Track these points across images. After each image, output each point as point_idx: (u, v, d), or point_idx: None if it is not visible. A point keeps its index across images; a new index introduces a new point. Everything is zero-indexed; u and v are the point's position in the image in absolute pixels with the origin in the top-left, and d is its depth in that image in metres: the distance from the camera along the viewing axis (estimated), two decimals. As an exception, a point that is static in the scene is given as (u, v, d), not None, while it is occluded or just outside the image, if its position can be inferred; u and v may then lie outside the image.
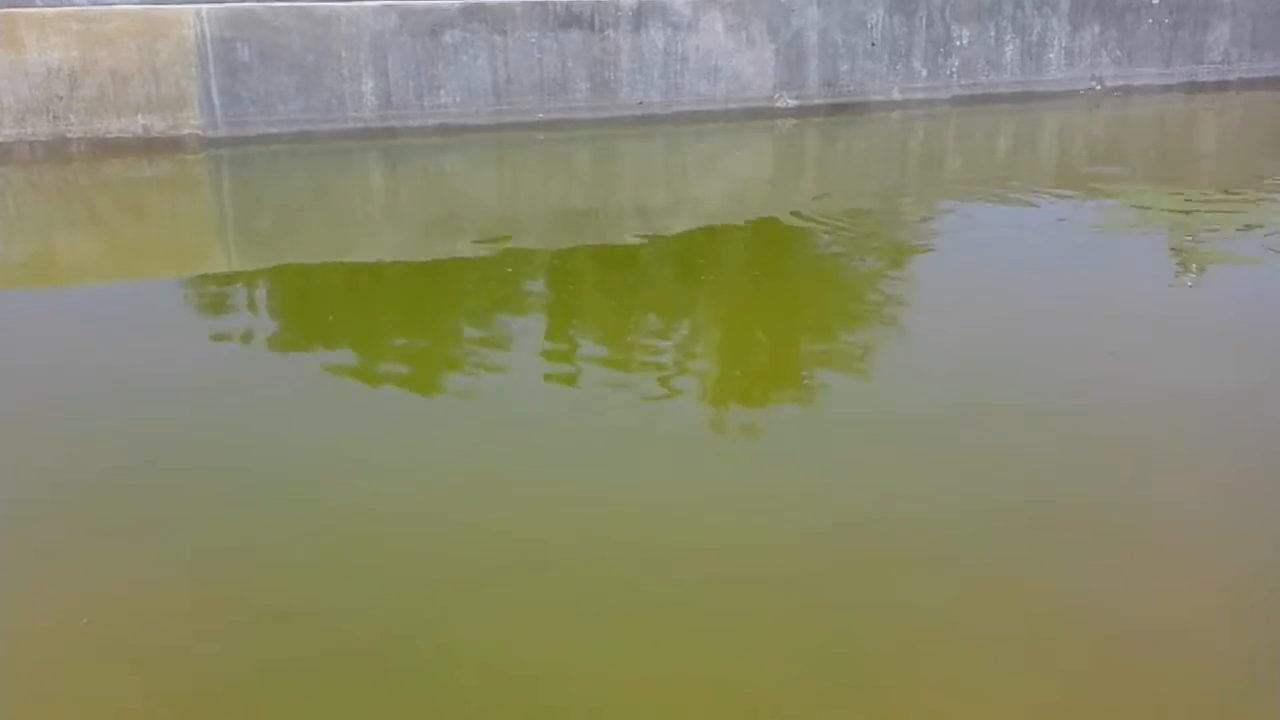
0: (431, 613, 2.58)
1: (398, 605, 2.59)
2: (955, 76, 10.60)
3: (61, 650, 2.47)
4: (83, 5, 8.21)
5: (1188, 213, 6.44)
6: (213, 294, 5.11)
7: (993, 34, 10.67)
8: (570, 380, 4.03)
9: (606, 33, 9.18)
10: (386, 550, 2.83)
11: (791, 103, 9.99)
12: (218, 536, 2.89)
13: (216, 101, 8.20)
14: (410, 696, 2.29)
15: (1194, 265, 5.43)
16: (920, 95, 10.47)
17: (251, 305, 4.96)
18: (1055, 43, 10.99)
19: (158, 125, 8.10)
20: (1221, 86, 11.88)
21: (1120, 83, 11.41)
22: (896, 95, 10.38)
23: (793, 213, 6.59)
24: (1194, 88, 11.74)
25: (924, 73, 10.46)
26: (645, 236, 6.13)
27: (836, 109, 10.08)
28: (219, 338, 4.51)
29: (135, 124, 8.06)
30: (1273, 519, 2.99)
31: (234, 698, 2.30)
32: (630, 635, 2.50)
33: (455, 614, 2.57)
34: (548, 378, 4.04)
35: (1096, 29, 11.17)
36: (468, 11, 8.78)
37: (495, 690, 2.32)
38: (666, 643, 2.46)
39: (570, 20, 9.06)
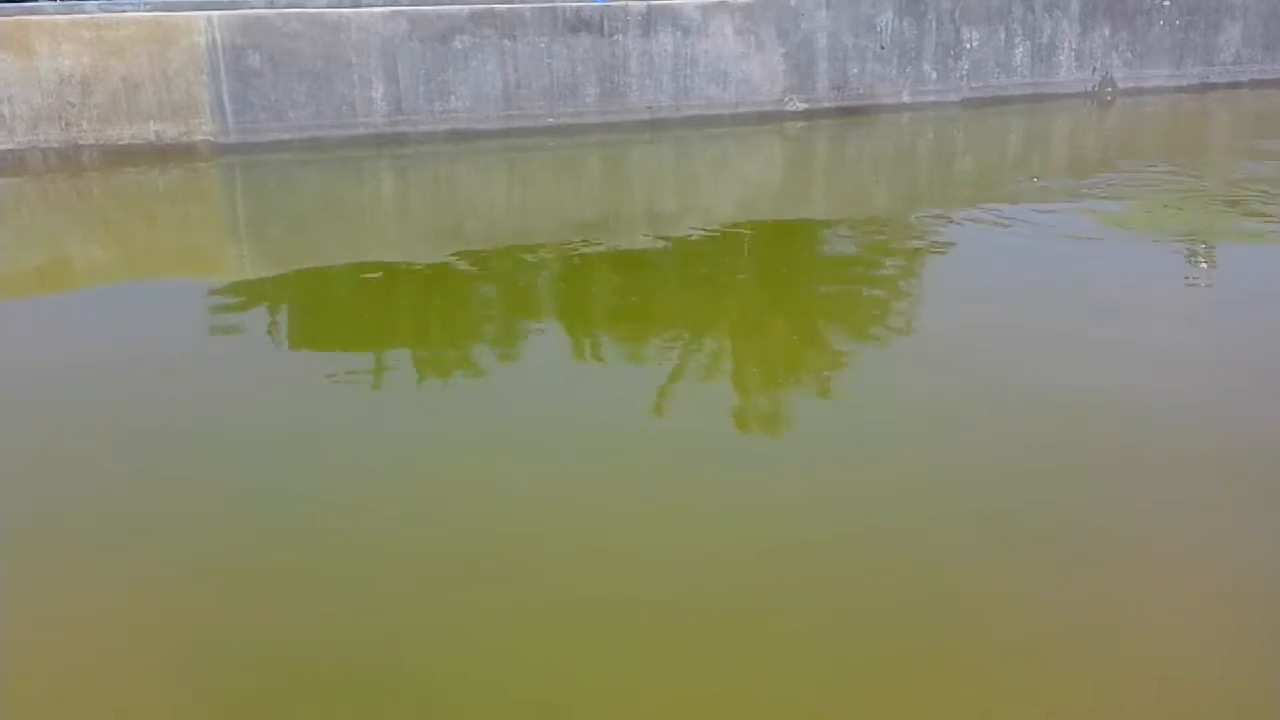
0: (429, 619, 2.58)
1: (395, 611, 2.59)
2: (965, 79, 10.59)
3: (60, 656, 2.47)
4: (94, 13, 8.25)
5: (1196, 213, 6.41)
6: (225, 302, 5.12)
7: (1002, 36, 10.66)
8: (576, 384, 4.04)
9: (616, 37, 9.19)
10: (388, 554, 2.83)
11: (801, 106, 9.98)
12: (218, 540, 2.90)
13: (228, 108, 8.23)
14: (402, 705, 2.29)
15: (1202, 265, 5.42)
16: (930, 98, 10.46)
17: (263, 313, 4.98)
18: (1065, 45, 10.97)
19: (169, 132, 8.14)
20: (1233, 87, 11.85)
21: (1131, 84, 11.38)
22: (906, 98, 10.37)
23: (801, 218, 6.59)
24: (1206, 89, 11.71)
25: (934, 75, 10.45)
26: (654, 243, 6.13)
27: (846, 112, 10.07)
28: (230, 344, 4.53)
29: (147, 131, 8.09)
30: (1267, 521, 2.98)
31: (226, 706, 2.30)
32: (630, 641, 2.49)
33: (453, 619, 2.57)
34: (553, 382, 4.04)
35: (1107, 31, 11.15)
36: (477, 17, 8.80)
37: (494, 701, 2.32)
38: (667, 652, 2.46)
39: (580, 25, 9.07)
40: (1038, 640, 2.50)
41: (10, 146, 7.82)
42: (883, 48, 10.17)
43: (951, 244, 6.03)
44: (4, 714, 2.32)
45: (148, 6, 8.87)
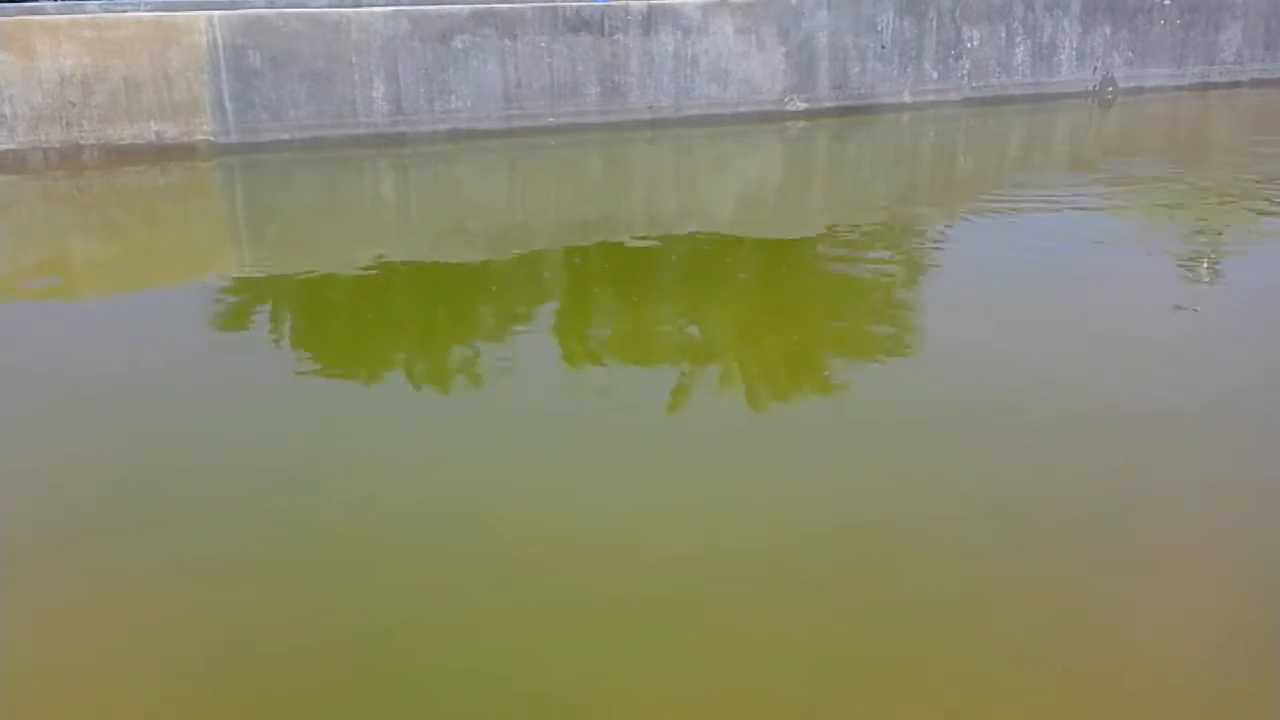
0: (428, 617, 2.58)
1: (396, 608, 2.60)
2: (966, 78, 10.58)
3: (65, 651, 2.48)
4: (95, 13, 8.25)
5: (1199, 212, 6.41)
6: (223, 302, 5.13)
7: (1003, 36, 10.65)
8: (576, 385, 4.04)
9: (616, 37, 9.19)
10: (390, 551, 2.84)
11: (801, 106, 9.98)
12: (220, 539, 2.90)
13: (228, 108, 8.23)
14: (402, 702, 2.29)
15: (1204, 270, 5.41)
16: (931, 97, 10.45)
17: (262, 313, 4.98)
18: (1066, 44, 10.96)
19: (170, 132, 8.14)
20: (1234, 86, 11.84)
21: (1132, 84, 11.37)
22: (907, 97, 10.37)
23: (800, 219, 6.59)
24: (1206, 88, 11.70)
25: (935, 75, 10.44)
26: (654, 245, 6.13)
27: (847, 111, 10.06)
28: (228, 344, 4.53)
29: (148, 130, 8.10)
30: (1264, 518, 2.99)
31: (229, 704, 2.31)
32: (628, 639, 2.49)
33: (452, 618, 2.57)
34: (554, 383, 4.04)
35: (1108, 30, 11.14)
36: (478, 16, 8.80)
37: (493, 701, 2.32)
38: (664, 649, 2.46)
39: (580, 24, 9.07)
40: (1038, 640, 2.51)
41: (11, 146, 7.82)
42: (883, 47, 10.16)
43: (952, 247, 6.02)
44: (4, 713, 2.32)
45: (148, 6, 8.87)
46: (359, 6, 8.87)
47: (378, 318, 4.97)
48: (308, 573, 2.82)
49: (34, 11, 8.27)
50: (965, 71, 10.57)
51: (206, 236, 6.71)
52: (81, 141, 7.97)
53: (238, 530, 3.01)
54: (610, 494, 3.18)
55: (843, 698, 2.34)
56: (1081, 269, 5.33)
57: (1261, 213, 6.54)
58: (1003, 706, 2.31)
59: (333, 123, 8.53)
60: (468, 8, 8.80)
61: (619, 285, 5.48)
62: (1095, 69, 11.19)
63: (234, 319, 4.91)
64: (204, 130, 8.22)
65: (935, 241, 6.08)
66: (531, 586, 2.71)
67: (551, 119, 9.13)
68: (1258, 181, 7.45)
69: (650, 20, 9.25)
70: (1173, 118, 10.95)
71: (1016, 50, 10.76)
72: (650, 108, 9.44)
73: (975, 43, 10.53)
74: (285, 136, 8.39)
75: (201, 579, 2.79)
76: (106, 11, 8.46)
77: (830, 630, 2.55)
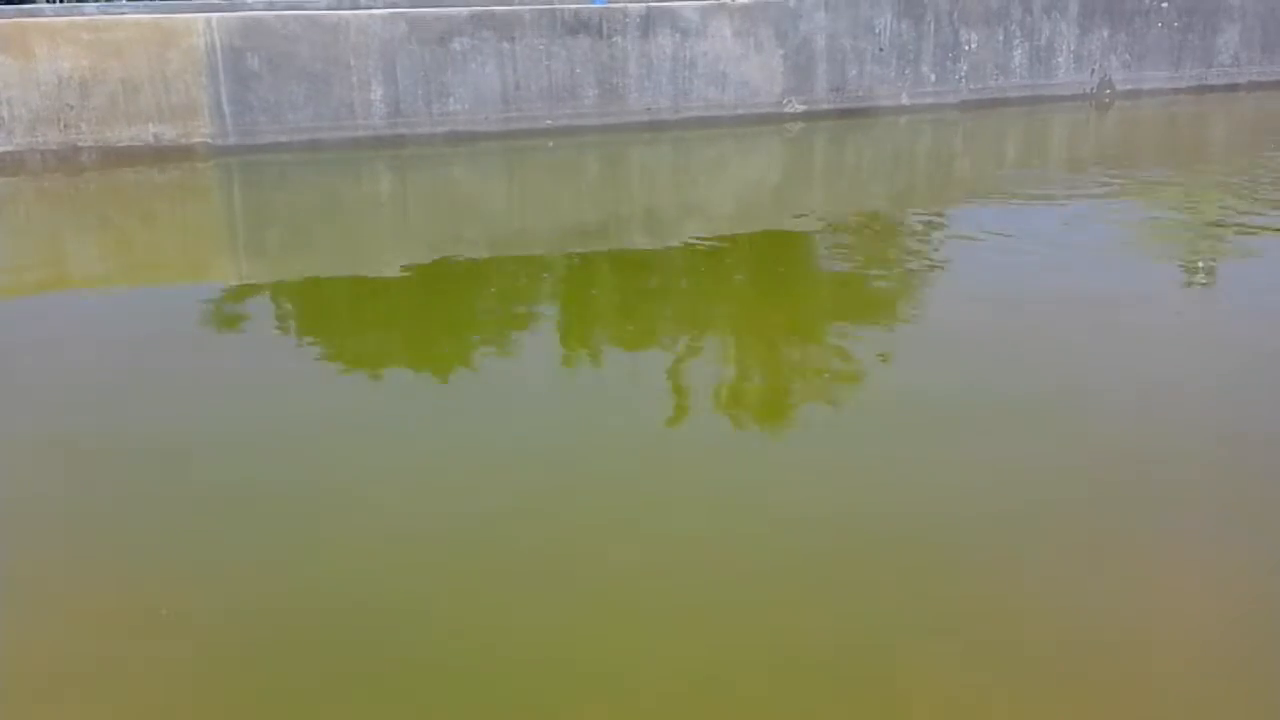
0: (433, 611, 2.58)
1: (397, 605, 2.60)
2: (964, 81, 10.59)
3: (69, 657, 2.48)
4: (93, 15, 8.25)
5: (1194, 219, 6.42)
6: (222, 305, 5.12)
7: (1001, 38, 10.66)
8: (576, 384, 4.04)
9: (614, 39, 9.19)
10: (388, 552, 2.84)
11: (800, 108, 9.99)
12: (220, 541, 2.90)
13: (226, 110, 8.23)
14: (402, 701, 2.29)
15: (1203, 275, 5.42)
16: (929, 100, 10.46)
17: (257, 316, 4.98)
18: (1064, 46, 10.98)
19: (168, 134, 8.14)
20: (1231, 89, 11.86)
21: (1129, 86, 11.39)
22: (905, 100, 10.38)
23: (799, 220, 6.59)
24: (1204, 90, 11.72)
25: (932, 77, 10.45)
26: (651, 246, 6.14)
27: (845, 114, 10.07)
28: (224, 346, 4.53)
29: (146, 133, 8.09)
30: (1266, 517, 2.99)
31: (237, 703, 2.31)
32: (630, 639, 2.49)
33: (454, 613, 2.57)
34: (554, 382, 4.04)
35: (1105, 33, 11.16)
36: (476, 19, 8.80)
37: (495, 694, 2.32)
38: (671, 650, 2.46)
39: (578, 27, 9.08)
40: (1040, 640, 2.51)
41: (9, 148, 7.82)
42: (881, 49, 10.17)
43: (947, 250, 6.03)
44: (4, 713, 2.32)
45: (147, 9, 8.87)
46: (357, 9, 8.88)
47: (376, 317, 4.97)
48: (308, 573, 2.81)
49: (32, 13, 8.26)
50: (963, 74, 10.58)
51: (203, 238, 6.70)
52: (79, 143, 7.97)
53: (238, 531, 3.01)
54: (610, 495, 3.18)
55: (845, 698, 2.34)
56: (1080, 272, 5.33)
57: (1258, 215, 6.55)
58: (1004, 708, 2.31)
59: (331, 125, 8.53)
60: (466, 10, 8.80)
61: (615, 288, 5.48)
62: (1093, 71, 11.21)
63: (231, 319, 4.90)
64: (202, 132, 8.21)
65: (931, 243, 6.09)
66: (531, 587, 2.71)
67: (550, 121, 9.14)
68: (1255, 184, 7.46)
69: (648, 23, 9.26)
70: (1170, 120, 10.97)
71: (1014, 53, 10.77)
72: (648, 110, 9.44)
73: (973, 45, 10.55)
74: (283, 139, 8.39)
75: (202, 578, 2.79)
76: (104, 14, 8.46)
77: (833, 631, 2.55)
